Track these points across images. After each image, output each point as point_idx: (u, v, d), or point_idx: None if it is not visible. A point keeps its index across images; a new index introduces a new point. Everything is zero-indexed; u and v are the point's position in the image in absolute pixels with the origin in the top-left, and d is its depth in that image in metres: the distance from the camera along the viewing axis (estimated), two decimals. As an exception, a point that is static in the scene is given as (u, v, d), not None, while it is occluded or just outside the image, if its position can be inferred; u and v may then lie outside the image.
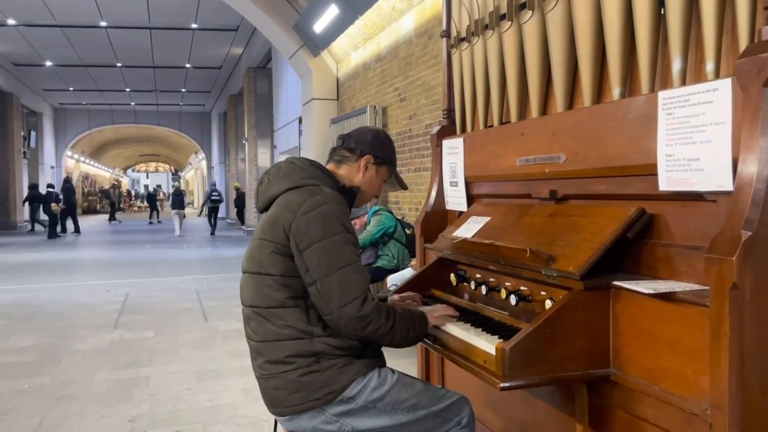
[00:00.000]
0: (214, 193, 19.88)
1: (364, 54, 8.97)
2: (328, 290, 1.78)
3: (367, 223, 6.15)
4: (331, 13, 8.59)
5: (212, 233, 19.03)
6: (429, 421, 1.91)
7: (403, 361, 4.20)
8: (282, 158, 11.40)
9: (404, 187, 2.26)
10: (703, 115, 1.52)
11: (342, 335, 1.84)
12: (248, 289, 1.95)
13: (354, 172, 2.10)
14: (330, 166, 2.12)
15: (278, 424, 2.16)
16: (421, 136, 7.02)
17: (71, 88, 24.64)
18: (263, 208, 2.03)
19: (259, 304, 1.90)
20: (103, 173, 47.49)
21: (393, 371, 1.97)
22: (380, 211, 6.10)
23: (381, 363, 1.98)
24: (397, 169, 2.25)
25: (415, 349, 2.85)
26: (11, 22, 15.26)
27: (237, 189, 20.80)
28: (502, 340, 1.72)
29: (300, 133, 12.26)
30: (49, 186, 20.00)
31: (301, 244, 1.81)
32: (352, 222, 6.37)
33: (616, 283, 1.68)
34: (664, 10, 1.72)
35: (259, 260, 1.91)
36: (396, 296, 2.33)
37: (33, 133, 25.13)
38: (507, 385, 1.63)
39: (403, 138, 7.50)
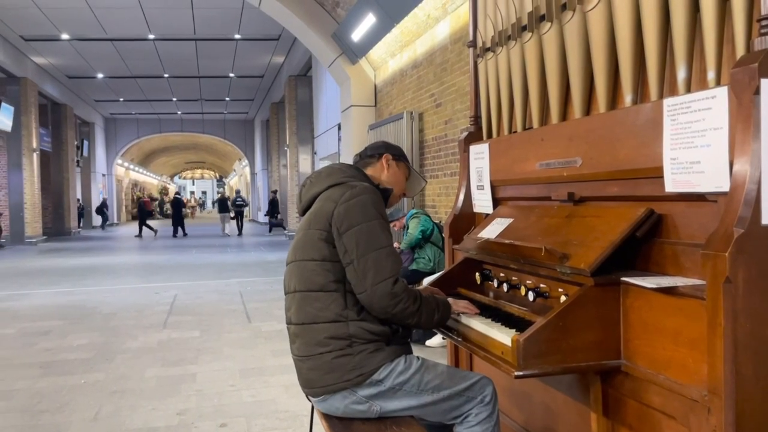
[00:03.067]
0: (238, 200, 23.98)
1: (401, 61, 9.13)
2: (364, 269, 1.96)
3: (405, 227, 6.28)
4: (368, 22, 8.79)
5: (239, 234, 22.52)
6: (453, 400, 2.05)
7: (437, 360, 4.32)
8: (323, 164, 11.61)
9: (423, 180, 2.51)
10: (703, 120, 1.62)
11: (374, 312, 2.00)
12: (292, 277, 2.14)
13: (379, 171, 2.32)
14: None
15: (314, 413, 2.32)
16: (456, 141, 7.12)
17: (121, 99, 25.60)
18: (304, 209, 2.22)
19: (301, 288, 2.08)
20: (151, 180, 48.93)
21: (419, 358, 2.11)
22: (417, 214, 6.23)
23: (408, 350, 2.14)
24: (434, 172, 2.49)
25: (446, 350, 2.98)
26: (65, 36, 16.02)
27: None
28: (518, 333, 1.84)
29: (339, 139, 12.50)
30: (177, 194, 25.02)
31: (341, 228, 2.01)
32: (391, 224, 6.53)
33: (624, 279, 1.79)
34: (671, 23, 1.82)
35: (303, 248, 2.10)
36: (421, 287, 2.49)
37: (86, 143, 26.16)
38: (521, 373, 1.75)
39: (439, 143, 7.63)
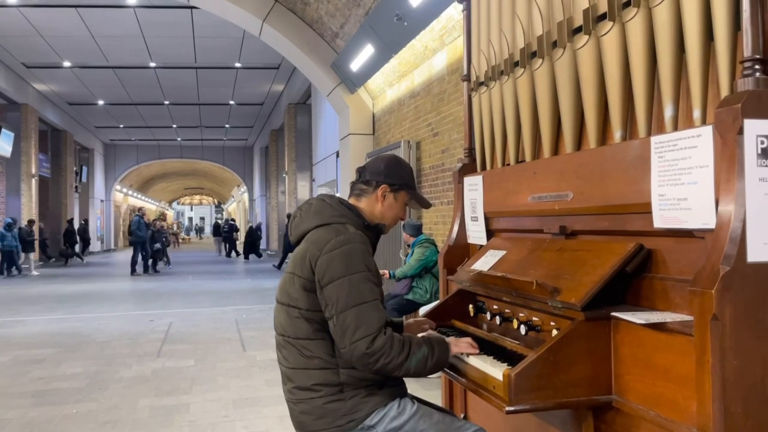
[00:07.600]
0: (228, 225, 26.55)
1: (399, 91, 9.23)
2: (343, 325, 1.89)
3: (411, 249, 6.15)
4: (367, 53, 8.90)
5: (227, 254, 25.29)
6: None
7: (433, 392, 4.30)
8: (321, 191, 11.59)
9: (426, 205, 2.33)
10: (689, 158, 1.65)
11: (356, 367, 1.95)
12: (280, 318, 2.10)
13: (373, 203, 2.20)
14: (351, 201, 2.24)
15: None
16: (453, 170, 7.16)
17: (121, 125, 25.74)
18: (296, 242, 2.18)
19: (289, 334, 2.05)
20: (149, 206, 48.95)
21: (413, 401, 2.07)
22: (426, 243, 6.06)
23: (402, 392, 2.09)
24: (431, 200, 2.33)
25: (440, 380, 2.96)
26: (67, 64, 16.18)
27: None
28: (509, 367, 1.84)
29: (338, 167, 12.57)
30: (232, 220, 28.61)
31: (323, 280, 1.94)
32: (405, 235, 6.37)
33: (614, 314, 1.80)
34: (658, 62, 1.86)
35: (289, 293, 2.05)
36: (411, 320, 2.46)
37: (85, 169, 26.22)
38: (512, 409, 1.75)
39: (436, 171, 7.67)
